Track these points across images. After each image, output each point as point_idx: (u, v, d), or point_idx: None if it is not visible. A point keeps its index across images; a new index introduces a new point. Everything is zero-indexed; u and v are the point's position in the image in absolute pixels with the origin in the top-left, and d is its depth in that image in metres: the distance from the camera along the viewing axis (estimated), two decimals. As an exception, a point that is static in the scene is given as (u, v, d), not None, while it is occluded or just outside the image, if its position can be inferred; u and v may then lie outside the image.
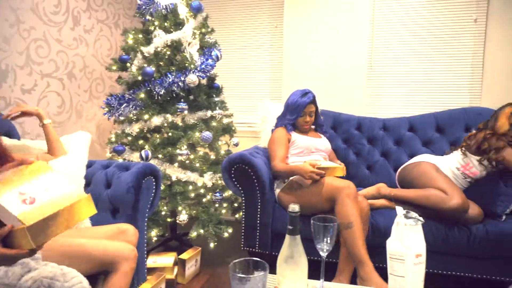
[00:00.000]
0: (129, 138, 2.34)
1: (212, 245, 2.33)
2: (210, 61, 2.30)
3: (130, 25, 3.01)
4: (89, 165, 1.84)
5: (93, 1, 2.63)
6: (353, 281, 1.77)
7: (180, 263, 2.14)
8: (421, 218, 1.05)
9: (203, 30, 2.40)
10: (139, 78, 2.23)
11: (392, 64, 2.87)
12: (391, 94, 2.90)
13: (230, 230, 2.37)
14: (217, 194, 2.36)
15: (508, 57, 2.62)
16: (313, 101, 2.25)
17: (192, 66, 2.23)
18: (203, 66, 2.25)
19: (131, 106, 2.26)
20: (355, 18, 2.83)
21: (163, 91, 2.21)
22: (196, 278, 2.21)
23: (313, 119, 2.31)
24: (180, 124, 2.29)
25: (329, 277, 1.13)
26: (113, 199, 1.70)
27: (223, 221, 2.39)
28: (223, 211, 2.45)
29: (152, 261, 2.13)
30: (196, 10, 2.31)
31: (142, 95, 2.23)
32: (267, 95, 3.18)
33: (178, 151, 2.22)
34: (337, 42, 2.88)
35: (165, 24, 2.27)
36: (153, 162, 2.26)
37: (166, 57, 2.27)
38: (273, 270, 0.96)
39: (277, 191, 2.15)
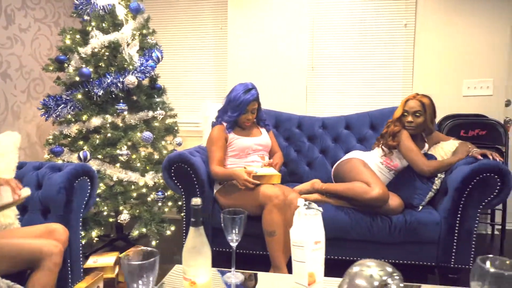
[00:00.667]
0: (69, 139, 2.32)
1: (154, 243, 2.36)
2: (150, 62, 2.33)
3: (72, 24, 2.96)
4: (20, 166, 1.82)
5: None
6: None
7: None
8: (320, 209, 1.16)
9: (144, 31, 2.43)
10: (77, 78, 2.22)
11: (331, 66, 3.03)
12: (331, 94, 3.06)
13: (172, 228, 2.41)
14: (159, 193, 2.40)
15: (435, 59, 2.84)
16: (256, 98, 2.20)
17: (131, 67, 2.25)
18: (142, 67, 2.28)
19: (69, 107, 2.25)
20: (296, 21, 2.95)
21: (101, 92, 2.22)
22: (138, 276, 2.23)
23: (255, 115, 2.28)
24: (121, 124, 2.31)
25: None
26: (43, 200, 1.70)
27: (167, 219, 2.44)
28: (166, 209, 2.49)
29: (93, 261, 2.13)
30: (135, 11, 2.33)
31: (79, 96, 2.22)
32: (213, 95, 3.25)
33: (118, 151, 2.23)
34: (279, 44, 2.99)
35: (103, 25, 2.28)
36: (93, 162, 2.27)
37: (105, 58, 2.28)
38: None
39: (215, 191, 2.21)
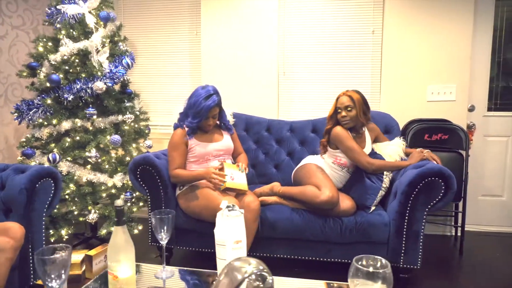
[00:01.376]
0: (41, 142, 2.43)
1: (121, 241, 2.47)
2: (120, 68, 2.43)
3: (51, 32, 3.07)
4: (-12, 168, 1.93)
5: (5, 7, 2.68)
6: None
7: (87, 260, 2.27)
8: (242, 211, 1.26)
9: (116, 38, 2.53)
10: (48, 84, 2.33)
11: (302, 71, 3.12)
12: (303, 98, 3.15)
13: (140, 227, 2.52)
14: (128, 194, 2.50)
15: (401, 65, 2.92)
16: (218, 104, 2.19)
17: (99, 73, 2.36)
18: (111, 74, 2.38)
19: (40, 111, 2.35)
20: (266, 28, 3.05)
21: (71, 97, 2.33)
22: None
23: (217, 119, 2.29)
24: (90, 128, 2.42)
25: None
26: (5, 200, 1.81)
27: (136, 218, 2.54)
28: (135, 209, 2.60)
29: (61, 258, 2.24)
30: (104, 20, 2.44)
31: (49, 101, 2.33)
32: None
33: (87, 153, 2.34)
34: (251, 50, 3.09)
35: (73, 33, 2.38)
36: (64, 164, 2.37)
37: (75, 64, 2.39)
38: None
39: (177, 193, 2.29)
